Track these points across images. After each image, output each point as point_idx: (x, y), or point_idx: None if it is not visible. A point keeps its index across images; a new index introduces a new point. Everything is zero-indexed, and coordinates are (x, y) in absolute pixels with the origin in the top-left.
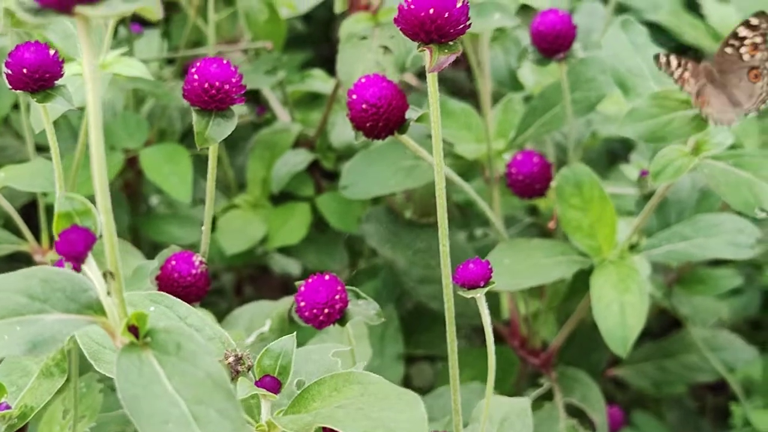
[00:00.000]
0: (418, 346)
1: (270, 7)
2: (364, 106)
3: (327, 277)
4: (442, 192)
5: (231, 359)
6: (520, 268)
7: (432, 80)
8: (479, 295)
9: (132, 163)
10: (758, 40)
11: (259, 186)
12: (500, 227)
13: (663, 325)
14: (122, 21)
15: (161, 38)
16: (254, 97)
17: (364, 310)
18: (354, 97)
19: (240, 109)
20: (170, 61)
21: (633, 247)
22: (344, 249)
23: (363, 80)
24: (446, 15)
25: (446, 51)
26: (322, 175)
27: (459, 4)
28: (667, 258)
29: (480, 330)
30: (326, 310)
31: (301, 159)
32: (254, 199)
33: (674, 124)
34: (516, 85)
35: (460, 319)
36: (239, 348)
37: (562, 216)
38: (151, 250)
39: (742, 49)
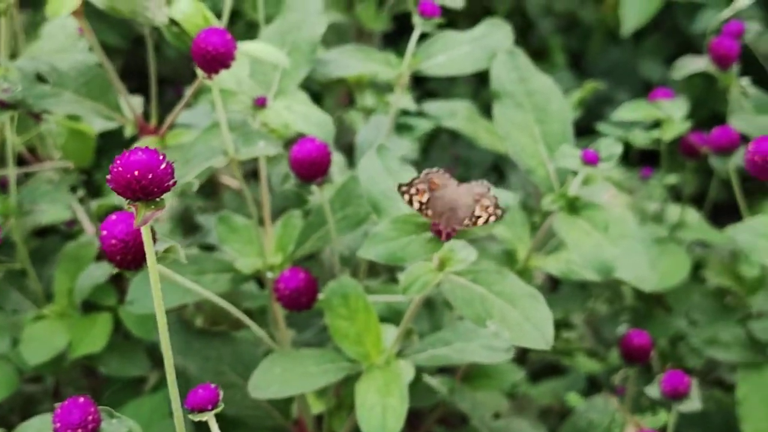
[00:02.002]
0: None
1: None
2: (113, 241)
3: (81, 399)
4: (163, 320)
5: None
6: (290, 376)
7: (146, 231)
8: (207, 418)
9: None
10: (423, 187)
11: (66, 297)
12: (266, 337)
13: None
14: None
15: None
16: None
17: (116, 428)
18: (104, 232)
19: (56, 216)
20: None
21: (401, 353)
22: (146, 355)
23: (113, 217)
24: (150, 176)
25: (152, 207)
26: None
27: (163, 165)
28: (431, 362)
29: (281, 427)
30: (79, 431)
31: (102, 271)
32: (61, 309)
33: (412, 246)
34: (300, 200)
35: (262, 420)
36: None
37: (331, 325)
38: None
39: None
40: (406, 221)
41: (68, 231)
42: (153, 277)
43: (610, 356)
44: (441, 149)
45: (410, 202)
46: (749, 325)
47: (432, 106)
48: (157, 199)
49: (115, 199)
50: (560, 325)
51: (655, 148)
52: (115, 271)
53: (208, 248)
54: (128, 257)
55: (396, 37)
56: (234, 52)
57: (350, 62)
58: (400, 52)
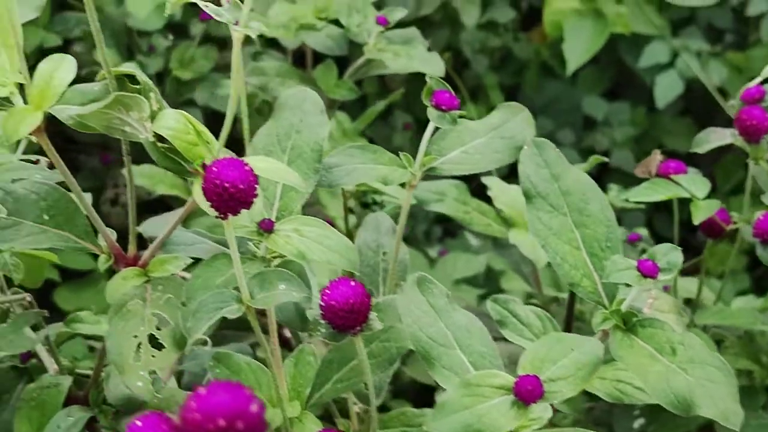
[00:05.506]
0: None
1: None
2: None
3: None
4: None
5: None
6: None
7: None
8: None
9: None
10: None
11: None
12: None
13: None
14: None
15: None
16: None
17: None
18: None
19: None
20: None
21: None
22: None
23: None
24: None
25: None
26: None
27: None
28: None
29: None
30: None
31: (74, 419)
32: None
33: (492, 415)
34: (304, 324)
35: None
36: None
37: None
38: None
39: None
40: (479, 383)
41: (23, 366)
42: None
43: None
44: None
45: None
46: None
47: (418, 189)
48: None
49: (80, 327)
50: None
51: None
52: None
53: None
54: None
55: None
56: (256, 187)
57: (358, 167)
58: (353, 116)
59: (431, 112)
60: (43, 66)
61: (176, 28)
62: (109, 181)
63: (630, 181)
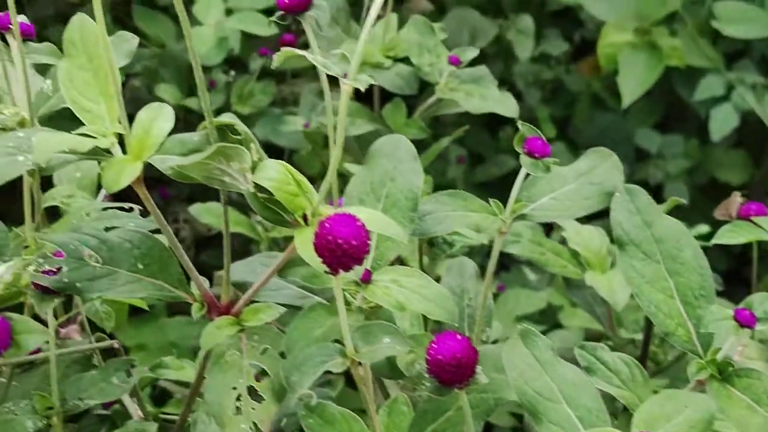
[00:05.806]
0: None
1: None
2: None
3: None
4: None
5: None
6: None
7: None
8: None
9: None
10: None
11: None
12: None
13: None
14: None
15: None
16: None
17: None
18: None
19: None
20: None
21: None
22: None
23: None
24: None
25: None
26: None
27: None
28: None
29: None
30: None
31: None
32: None
33: None
34: (395, 372)
35: None
36: None
37: None
38: None
39: None
40: None
41: (105, 411)
42: None
43: None
44: None
45: None
46: None
47: None
48: None
49: (166, 373)
50: None
51: None
52: None
53: None
54: None
55: None
56: (369, 243)
57: (450, 214)
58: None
59: (524, 160)
60: (142, 115)
61: (235, 63)
62: (168, 216)
63: (684, 214)
